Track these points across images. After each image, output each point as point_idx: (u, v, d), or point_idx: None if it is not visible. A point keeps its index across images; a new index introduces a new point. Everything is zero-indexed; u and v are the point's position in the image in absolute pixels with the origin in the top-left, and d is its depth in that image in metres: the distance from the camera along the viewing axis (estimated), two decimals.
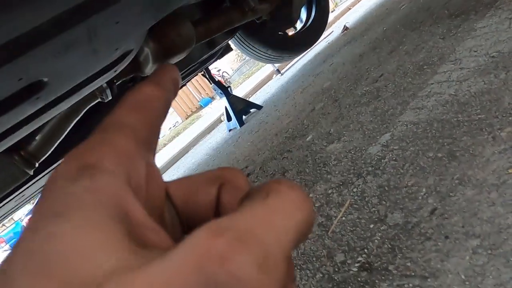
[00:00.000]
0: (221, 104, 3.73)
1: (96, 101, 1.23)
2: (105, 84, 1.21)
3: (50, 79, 0.65)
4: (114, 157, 0.12)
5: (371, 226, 0.80)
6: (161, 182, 0.15)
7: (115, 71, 0.98)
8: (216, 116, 4.99)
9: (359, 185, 0.99)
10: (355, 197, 0.95)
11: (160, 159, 5.60)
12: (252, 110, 3.60)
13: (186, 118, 12.05)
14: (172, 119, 14.26)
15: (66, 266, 0.09)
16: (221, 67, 12.94)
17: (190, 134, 5.97)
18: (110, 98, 1.24)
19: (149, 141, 0.15)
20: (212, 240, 0.09)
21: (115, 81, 1.25)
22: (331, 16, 6.98)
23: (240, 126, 3.40)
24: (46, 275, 0.09)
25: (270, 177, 1.53)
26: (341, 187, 1.05)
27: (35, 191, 1.92)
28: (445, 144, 0.88)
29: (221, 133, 3.97)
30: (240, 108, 3.57)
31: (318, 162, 1.32)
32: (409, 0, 2.96)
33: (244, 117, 3.57)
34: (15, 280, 0.09)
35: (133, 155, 0.13)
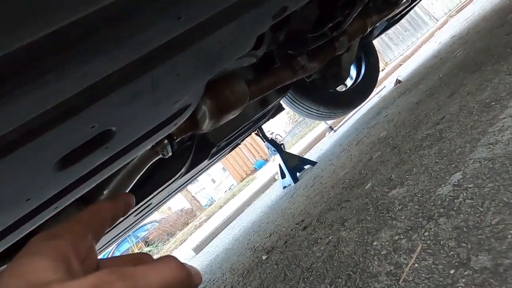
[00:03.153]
0: (275, 166, 3.75)
1: (158, 157, 1.30)
2: (166, 141, 1.28)
3: (117, 128, 0.70)
4: (73, 235, 0.22)
5: (452, 271, 0.68)
6: (95, 258, 0.24)
7: (175, 125, 1.04)
8: (270, 175, 5.00)
9: (430, 228, 0.88)
10: (428, 242, 0.83)
11: (215, 221, 5.63)
12: (306, 167, 3.56)
13: (241, 181, 12.24)
14: (227, 182, 14.57)
15: (29, 276, 0.18)
16: (274, 129, 13.33)
17: (245, 195, 6.00)
18: (170, 154, 1.30)
19: (96, 233, 0.25)
20: (107, 275, 0.17)
21: (175, 137, 1.33)
22: (382, 74, 7.02)
23: (295, 183, 3.35)
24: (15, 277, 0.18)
25: (328, 228, 1.43)
26: (410, 232, 0.93)
27: (103, 245, 2.00)
28: None
29: (276, 191, 3.93)
30: (294, 165, 3.55)
31: (380, 208, 1.21)
32: (464, 47, 2.88)
33: (298, 174, 3.52)
34: None
35: (82, 239, 0.22)
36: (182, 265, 0.20)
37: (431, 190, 1.06)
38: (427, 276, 0.73)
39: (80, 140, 0.60)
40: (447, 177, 1.06)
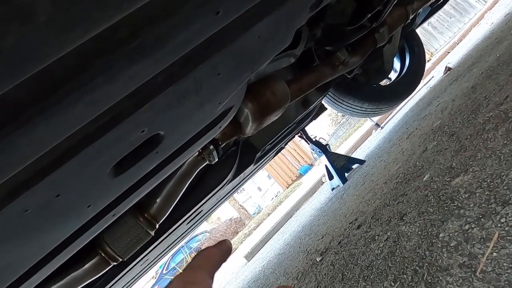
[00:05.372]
0: (321, 170, 3.65)
1: (205, 163, 1.32)
2: (211, 146, 1.30)
3: (166, 132, 0.71)
4: (202, 282, 0.26)
5: None
6: None
7: (220, 128, 1.04)
8: (317, 178, 4.89)
9: (507, 213, 0.78)
10: (506, 228, 0.74)
11: (264, 228, 5.61)
12: (354, 166, 3.43)
13: (287, 187, 12.14)
14: (273, 189, 14.53)
15: None
16: (317, 133, 13.11)
17: (292, 201, 5.92)
18: (216, 160, 1.31)
19: (212, 277, 0.29)
20: None
21: (220, 142, 1.34)
22: (428, 64, 6.62)
23: (343, 183, 3.24)
24: None
25: (385, 224, 1.35)
26: (482, 220, 0.84)
27: (157, 256, 2.06)
28: None
29: (324, 193, 3.83)
30: (341, 165, 3.44)
31: (444, 199, 1.11)
32: None
33: (346, 174, 3.40)
34: None
35: (208, 280, 0.27)
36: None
37: (503, 173, 0.95)
38: (510, 265, 0.64)
39: (132, 145, 0.62)
40: None
